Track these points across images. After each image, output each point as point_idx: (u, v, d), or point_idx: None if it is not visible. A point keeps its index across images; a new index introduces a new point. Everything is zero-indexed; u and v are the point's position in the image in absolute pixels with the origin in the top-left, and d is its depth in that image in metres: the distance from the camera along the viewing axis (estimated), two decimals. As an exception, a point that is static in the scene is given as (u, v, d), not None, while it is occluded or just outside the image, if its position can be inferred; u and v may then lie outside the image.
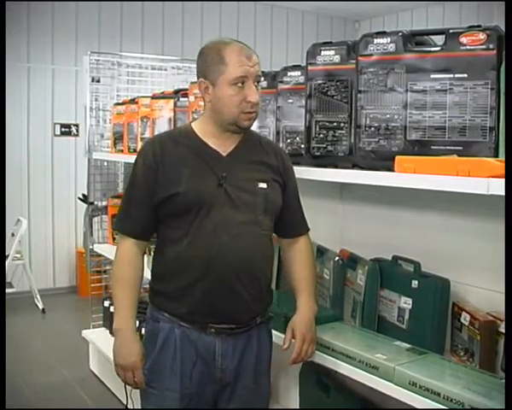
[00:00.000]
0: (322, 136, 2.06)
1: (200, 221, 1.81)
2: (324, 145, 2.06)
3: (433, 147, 1.74)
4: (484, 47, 1.69)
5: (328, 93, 2.05)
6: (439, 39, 1.79)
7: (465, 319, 1.84)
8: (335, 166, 2.02)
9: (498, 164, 1.44)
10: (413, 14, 7.50)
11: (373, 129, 1.85)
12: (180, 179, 1.82)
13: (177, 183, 1.82)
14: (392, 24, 7.50)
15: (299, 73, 2.23)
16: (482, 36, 1.71)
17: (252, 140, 1.95)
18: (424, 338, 1.89)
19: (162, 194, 1.83)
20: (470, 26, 1.75)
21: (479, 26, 1.73)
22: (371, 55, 1.87)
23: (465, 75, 1.71)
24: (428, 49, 1.80)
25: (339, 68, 2.03)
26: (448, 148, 1.71)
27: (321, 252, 2.32)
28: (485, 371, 1.71)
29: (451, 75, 1.73)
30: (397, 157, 1.69)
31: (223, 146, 1.88)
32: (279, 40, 7.81)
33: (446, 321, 1.93)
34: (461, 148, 1.69)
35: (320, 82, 2.07)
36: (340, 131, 2.02)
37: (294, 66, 2.26)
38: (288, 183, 1.96)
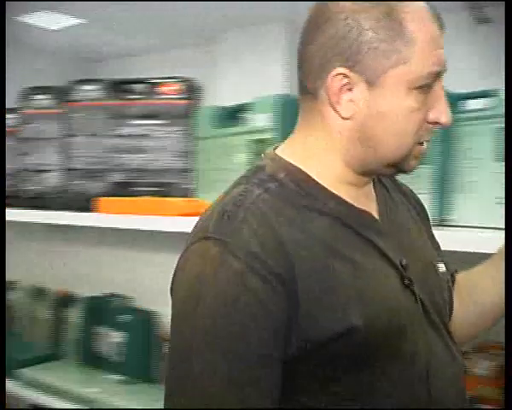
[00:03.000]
0: (34, 177, 2.09)
1: (392, 364, 0.85)
2: (36, 187, 2.08)
3: (136, 188, 1.87)
4: (179, 96, 1.87)
5: (41, 136, 2.09)
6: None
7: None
8: (48, 208, 2.05)
9: (185, 204, 1.61)
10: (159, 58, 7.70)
11: (81, 171, 1.93)
12: (346, 295, 0.81)
13: (341, 304, 0.81)
14: (134, 67, 7.66)
15: (13, 115, 2.23)
16: (177, 86, 1.89)
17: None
18: (138, 369, 1.99)
19: (309, 335, 0.80)
20: (169, 77, 1.92)
21: (176, 78, 1.91)
22: (79, 100, 1.96)
23: (164, 121, 1.87)
24: (131, 96, 1.93)
25: (50, 112, 2.08)
26: (149, 189, 1.85)
27: (38, 291, 2.33)
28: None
29: (152, 121, 1.88)
30: (100, 199, 1.78)
31: (363, 201, 0.92)
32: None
33: (158, 351, 2.05)
34: (161, 189, 1.84)
35: (33, 125, 2.11)
36: (51, 173, 2.07)
37: (10, 109, 2.25)
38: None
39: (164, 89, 1.89)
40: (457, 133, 1.30)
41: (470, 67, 3.49)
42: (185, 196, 1.81)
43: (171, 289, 0.87)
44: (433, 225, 1.10)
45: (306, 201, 0.85)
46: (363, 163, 0.88)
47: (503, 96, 1.20)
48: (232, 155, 1.64)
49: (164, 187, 1.85)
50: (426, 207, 1.09)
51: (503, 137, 1.21)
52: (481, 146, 1.27)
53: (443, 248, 1.08)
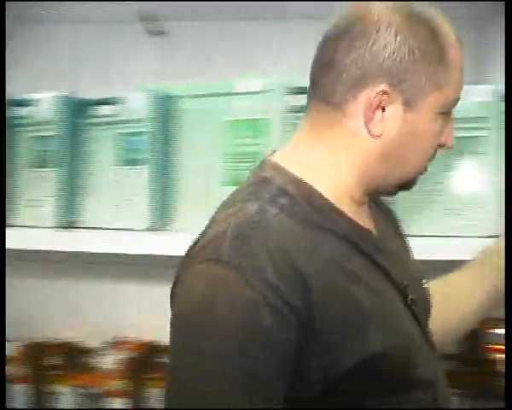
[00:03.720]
0: None
1: (411, 389, 0.81)
2: None
3: None
4: None
5: None
6: None
7: None
8: None
9: None
10: None
11: None
12: (366, 321, 0.76)
13: (361, 331, 0.76)
14: None
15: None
16: None
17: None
18: None
19: (329, 367, 0.73)
20: None
21: None
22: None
23: None
24: None
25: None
26: None
27: None
28: None
29: None
30: None
31: (364, 219, 0.88)
32: None
33: None
34: None
35: None
36: None
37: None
38: None
39: None
40: (85, 138, 1.34)
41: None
42: None
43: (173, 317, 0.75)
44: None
45: (318, 219, 0.79)
46: (378, 181, 0.85)
47: (128, 103, 1.27)
48: None
49: None
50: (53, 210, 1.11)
51: (125, 142, 1.28)
52: (104, 150, 1.32)
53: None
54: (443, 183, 1.23)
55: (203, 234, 0.78)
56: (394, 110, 0.79)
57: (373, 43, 0.77)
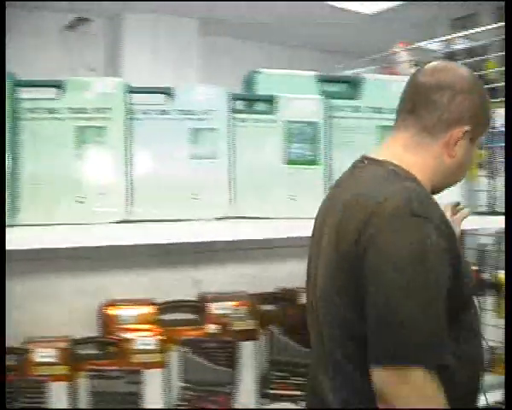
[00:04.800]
0: None
1: (473, 318, 1.31)
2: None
3: None
4: None
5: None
6: None
7: None
8: None
9: None
10: None
11: None
12: (462, 262, 1.24)
13: (464, 267, 1.26)
14: None
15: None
16: None
17: None
18: None
19: (457, 289, 1.19)
20: None
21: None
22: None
23: None
24: None
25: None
26: None
27: None
28: None
29: None
30: None
31: None
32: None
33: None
34: None
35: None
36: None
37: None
38: None
39: None
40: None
41: None
42: None
43: (383, 257, 1.10)
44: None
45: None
46: (434, 185, 1.29)
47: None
48: None
49: None
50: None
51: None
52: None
53: None
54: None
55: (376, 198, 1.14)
56: (465, 142, 1.26)
57: (465, 99, 1.24)
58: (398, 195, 1.13)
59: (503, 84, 2.36)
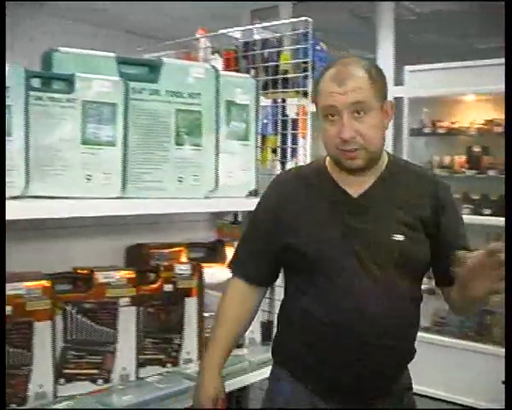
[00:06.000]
0: None
1: (318, 281, 1.55)
2: None
3: None
4: None
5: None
6: None
7: None
8: None
9: None
10: None
11: None
12: (299, 229, 1.58)
13: (294, 233, 1.58)
14: None
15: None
16: None
17: (396, 173, 1.62)
18: None
19: (280, 244, 1.61)
20: None
21: None
22: None
23: None
24: None
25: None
26: None
27: None
28: None
29: None
30: None
31: (356, 185, 1.58)
32: None
33: None
34: None
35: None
36: None
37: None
38: (440, 226, 1.59)
39: None
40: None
41: None
42: None
43: None
44: None
45: (312, 178, 1.65)
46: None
47: None
48: None
49: None
50: None
51: None
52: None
53: None
54: None
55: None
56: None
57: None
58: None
59: (295, 75, 2.57)
